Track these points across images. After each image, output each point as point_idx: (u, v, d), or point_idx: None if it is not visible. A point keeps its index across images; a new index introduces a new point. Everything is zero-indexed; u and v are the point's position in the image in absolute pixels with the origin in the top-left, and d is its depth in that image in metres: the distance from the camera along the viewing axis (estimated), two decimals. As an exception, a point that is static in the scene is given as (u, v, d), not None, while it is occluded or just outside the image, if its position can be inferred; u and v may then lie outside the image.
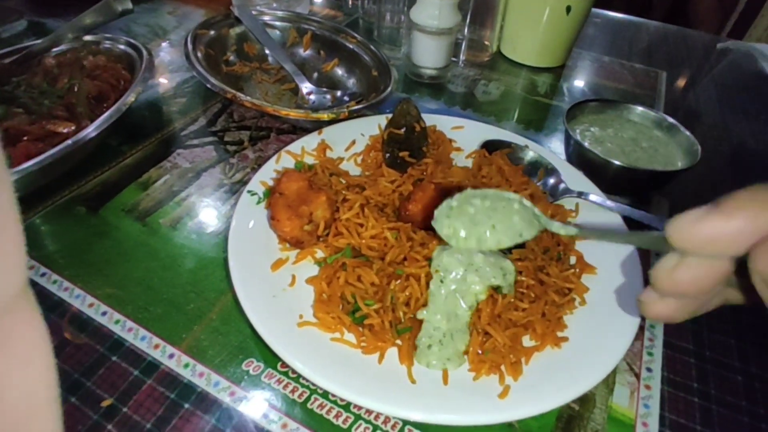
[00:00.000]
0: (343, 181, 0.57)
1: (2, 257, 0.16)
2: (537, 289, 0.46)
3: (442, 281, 0.44)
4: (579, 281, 0.48)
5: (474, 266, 0.45)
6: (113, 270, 0.51)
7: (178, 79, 0.83)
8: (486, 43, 1.00)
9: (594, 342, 0.44)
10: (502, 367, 0.41)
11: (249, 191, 0.54)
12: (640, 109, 0.68)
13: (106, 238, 0.55)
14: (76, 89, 0.63)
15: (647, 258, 0.56)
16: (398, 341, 0.43)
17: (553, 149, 0.71)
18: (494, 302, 0.44)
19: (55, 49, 0.71)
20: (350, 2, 1.11)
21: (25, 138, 0.56)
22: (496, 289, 0.45)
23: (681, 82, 0.96)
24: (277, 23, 0.86)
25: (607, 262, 0.51)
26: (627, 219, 0.55)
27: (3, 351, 0.17)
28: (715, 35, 1.27)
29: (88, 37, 0.74)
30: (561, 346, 0.43)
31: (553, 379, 0.41)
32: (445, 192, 0.52)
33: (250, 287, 0.45)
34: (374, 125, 0.66)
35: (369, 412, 0.41)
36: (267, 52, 0.83)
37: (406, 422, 0.41)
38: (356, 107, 0.65)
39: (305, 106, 0.72)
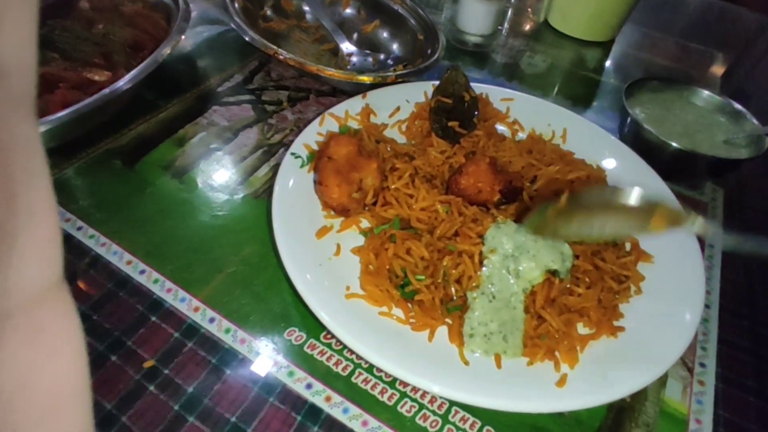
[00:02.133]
0: (389, 149, 0.54)
1: (38, 251, 0.16)
2: (593, 274, 0.44)
3: (493, 266, 0.42)
4: (635, 269, 0.46)
5: (531, 250, 0.42)
6: (151, 227, 0.50)
7: (212, 32, 0.80)
8: (528, 12, 0.95)
9: (651, 334, 0.42)
10: (557, 354, 0.40)
11: (292, 153, 0.52)
12: (704, 92, 0.64)
13: (143, 194, 0.53)
14: (113, 36, 0.60)
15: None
16: (448, 320, 0.42)
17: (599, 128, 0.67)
18: (550, 285, 0.42)
19: (89, -7, 0.68)
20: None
21: (61, 85, 0.54)
22: (553, 273, 0.43)
23: (737, 64, 0.91)
24: (317, -22, 0.81)
25: (664, 250, 0.48)
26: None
27: (34, 342, 0.17)
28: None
29: (123, -18, 0.70)
30: (617, 336, 0.41)
31: (610, 370, 0.39)
32: (500, 169, 0.49)
33: (297, 255, 0.43)
34: (420, 92, 0.63)
35: (415, 390, 0.40)
36: (305, 8, 0.79)
37: (453, 403, 0.40)
38: (403, 72, 0.61)
39: (347, 68, 0.69)
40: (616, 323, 0.43)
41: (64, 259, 0.45)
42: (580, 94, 0.77)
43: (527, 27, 0.92)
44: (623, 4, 0.83)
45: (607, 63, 0.85)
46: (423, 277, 0.43)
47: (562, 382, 0.38)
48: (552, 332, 0.41)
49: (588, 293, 0.43)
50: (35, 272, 0.17)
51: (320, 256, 0.45)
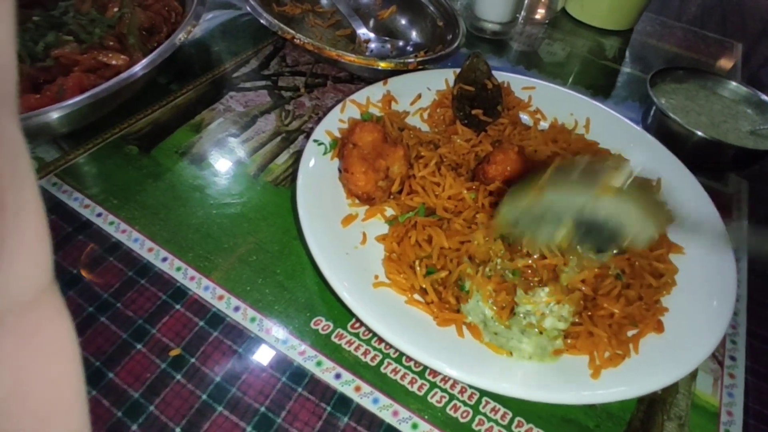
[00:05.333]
0: (413, 137, 0.53)
1: (27, 253, 0.16)
2: (632, 271, 0.43)
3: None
4: (669, 261, 0.45)
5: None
6: (170, 214, 0.49)
7: (224, 17, 0.78)
8: (544, 0, 0.93)
9: (684, 326, 0.41)
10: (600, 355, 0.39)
11: (315, 140, 0.51)
12: (730, 83, 0.62)
13: (161, 181, 0.52)
14: (127, 19, 0.58)
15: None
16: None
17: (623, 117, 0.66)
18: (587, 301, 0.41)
19: (101, -26, 0.66)
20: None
21: (76, 68, 0.52)
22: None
23: (754, 54, 0.89)
24: (333, -38, 0.80)
25: (693, 241, 0.47)
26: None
27: (28, 347, 0.17)
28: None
29: (136, -36, 0.68)
30: (661, 332, 0.40)
31: (643, 363, 0.38)
32: (527, 158, 0.48)
33: (324, 245, 0.42)
34: (440, 79, 0.61)
35: (445, 380, 0.40)
36: (321, -8, 0.78)
37: (483, 394, 0.39)
38: (425, 58, 0.60)
39: (366, 55, 0.67)
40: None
41: (82, 246, 0.44)
42: (600, 83, 0.76)
43: (545, 15, 0.91)
44: (642, -8, 0.81)
45: (626, 52, 0.84)
46: (434, 270, 0.42)
47: (596, 374, 0.37)
48: (602, 338, 0.39)
49: (628, 293, 0.42)
50: (25, 275, 0.16)
51: (347, 244, 0.44)
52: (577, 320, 0.39)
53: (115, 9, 0.60)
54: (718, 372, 0.43)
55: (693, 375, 0.43)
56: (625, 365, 0.38)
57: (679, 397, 0.41)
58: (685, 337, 0.40)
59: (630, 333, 0.40)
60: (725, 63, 0.84)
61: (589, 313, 0.40)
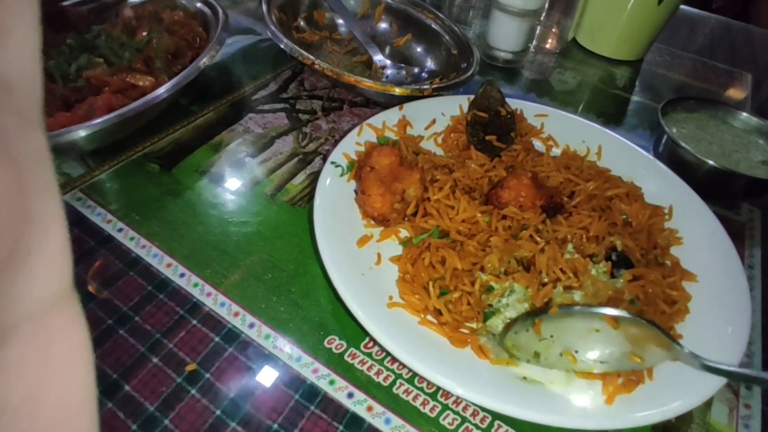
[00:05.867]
0: (428, 161, 0.54)
1: (49, 262, 0.16)
2: (646, 298, 0.43)
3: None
4: (683, 288, 0.45)
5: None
6: (189, 231, 0.50)
7: (245, 42, 0.81)
8: (555, 30, 0.95)
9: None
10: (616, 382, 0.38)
11: (332, 162, 0.52)
12: (741, 113, 0.63)
13: (180, 198, 0.53)
14: (154, 44, 0.61)
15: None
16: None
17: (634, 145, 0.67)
18: None
19: (131, 1, 0.69)
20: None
21: (106, 89, 0.54)
22: None
23: (763, 84, 0.90)
24: (351, -8, 0.83)
25: (705, 268, 0.48)
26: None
27: (43, 353, 0.17)
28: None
29: (163, -9, 0.72)
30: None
31: (658, 390, 0.38)
32: (540, 184, 0.49)
33: (340, 264, 0.43)
34: (454, 105, 0.63)
35: (458, 402, 0.40)
36: (338, 21, 0.80)
37: (495, 417, 0.39)
38: (440, 85, 0.62)
39: (382, 80, 0.69)
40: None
41: (104, 260, 0.45)
42: (610, 111, 0.77)
43: (556, 45, 0.93)
44: (652, 24, 0.83)
45: (637, 81, 0.85)
46: (447, 291, 0.42)
47: (610, 399, 0.37)
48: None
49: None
50: (45, 283, 0.16)
51: (362, 265, 0.44)
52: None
53: (144, 34, 0.62)
54: (734, 402, 0.43)
55: (708, 404, 0.42)
56: (638, 391, 0.38)
57: (694, 427, 0.41)
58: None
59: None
60: (735, 93, 0.85)
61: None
